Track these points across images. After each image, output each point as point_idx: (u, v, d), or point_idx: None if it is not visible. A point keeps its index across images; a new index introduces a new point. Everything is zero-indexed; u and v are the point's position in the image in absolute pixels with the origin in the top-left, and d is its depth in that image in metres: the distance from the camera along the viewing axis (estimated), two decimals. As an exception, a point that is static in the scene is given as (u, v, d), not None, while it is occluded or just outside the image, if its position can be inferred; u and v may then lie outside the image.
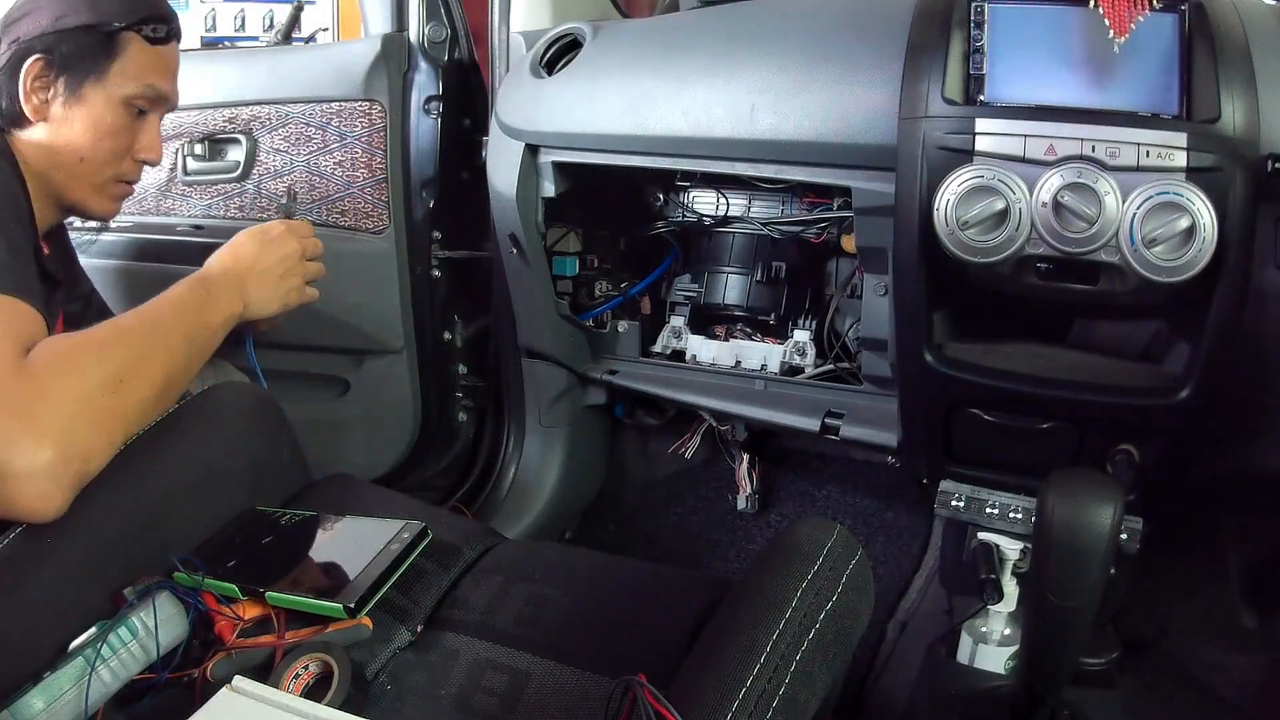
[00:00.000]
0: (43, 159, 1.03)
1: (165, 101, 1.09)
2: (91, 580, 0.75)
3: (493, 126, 1.30)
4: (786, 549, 0.75)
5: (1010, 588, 1.03)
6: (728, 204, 1.29)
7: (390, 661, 0.75)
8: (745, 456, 1.35)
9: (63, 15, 1.02)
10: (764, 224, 1.27)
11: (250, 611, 0.76)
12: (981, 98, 0.91)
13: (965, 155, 0.89)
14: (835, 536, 0.77)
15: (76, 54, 1.02)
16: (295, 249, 1.08)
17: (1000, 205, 0.87)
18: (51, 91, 1.02)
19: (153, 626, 0.72)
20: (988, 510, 1.02)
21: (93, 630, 0.72)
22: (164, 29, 1.08)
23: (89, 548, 0.75)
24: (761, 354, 1.34)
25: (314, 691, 0.69)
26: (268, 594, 0.76)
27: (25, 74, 1.01)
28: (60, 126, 1.03)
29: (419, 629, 0.78)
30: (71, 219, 1.16)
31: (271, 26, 2.83)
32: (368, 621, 0.74)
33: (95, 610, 0.74)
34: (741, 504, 1.49)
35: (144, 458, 0.82)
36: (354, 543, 0.80)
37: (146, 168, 1.11)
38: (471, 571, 0.83)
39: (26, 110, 1.01)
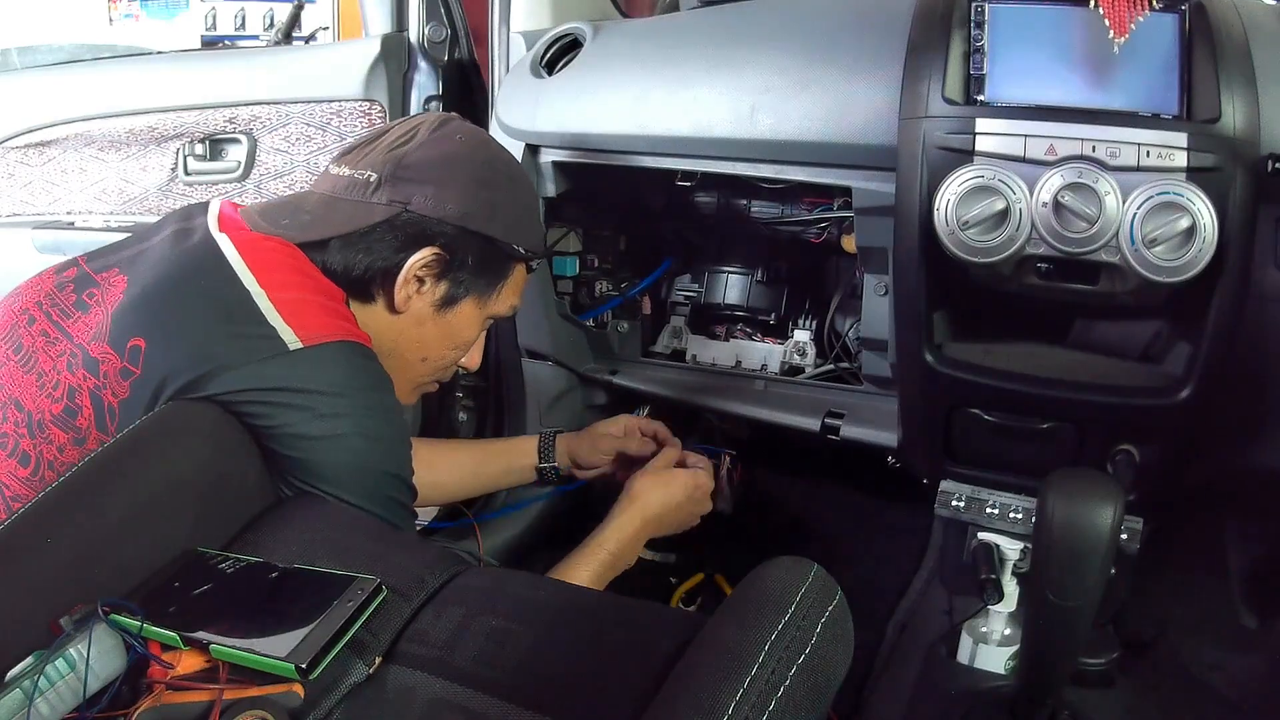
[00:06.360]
0: (382, 342, 0.91)
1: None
2: (39, 607, 0.71)
3: (493, 126, 1.30)
4: (755, 595, 0.70)
5: (1010, 588, 1.03)
6: (728, 204, 1.28)
7: (344, 699, 0.71)
8: (726, 460, 1.33)
9: (469, 213, 0.89)
10: (764, 224, 1.27)
11: (189, 661, 0.71)
12: (981, 98, 0.91)
13: (965, 155, 0.89)
14: (810, 579, 0.71)
15: (477, 266, 0.92)
16: (707, 486, 1.13)
17: (1000, 205, 0.87)
18: (426, 287, 0.91)
19: (89, 659, 0.68)
20: (988, 510, 1.02)
21: (29, 660, 0.67)
22: (539, 259, 1.01)
23: (42, 573, 0.72)
24: (762, 354, 1.34)
25: None
26: (213, 646, 0.71)
27: (415, 261, 0.88)
28: (416, 324, 0.92)
29: (376, 662, 0.73)
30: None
31: (272, 26, 2.84)
32: (299, 689, 0.69)
33: (35, 639, 0.69)
34: (720, 504, 1.48)
35: (102, 478, 0.78)
36: (305, 597, 0.76)
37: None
38: (434, 601, 0.79)
39: (396, 298, 0.89)
